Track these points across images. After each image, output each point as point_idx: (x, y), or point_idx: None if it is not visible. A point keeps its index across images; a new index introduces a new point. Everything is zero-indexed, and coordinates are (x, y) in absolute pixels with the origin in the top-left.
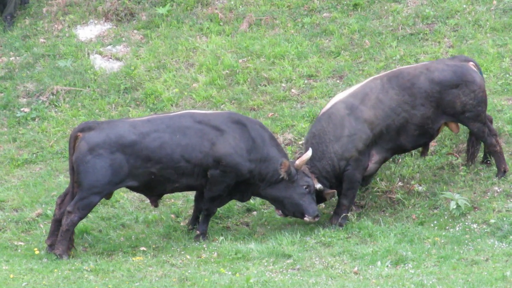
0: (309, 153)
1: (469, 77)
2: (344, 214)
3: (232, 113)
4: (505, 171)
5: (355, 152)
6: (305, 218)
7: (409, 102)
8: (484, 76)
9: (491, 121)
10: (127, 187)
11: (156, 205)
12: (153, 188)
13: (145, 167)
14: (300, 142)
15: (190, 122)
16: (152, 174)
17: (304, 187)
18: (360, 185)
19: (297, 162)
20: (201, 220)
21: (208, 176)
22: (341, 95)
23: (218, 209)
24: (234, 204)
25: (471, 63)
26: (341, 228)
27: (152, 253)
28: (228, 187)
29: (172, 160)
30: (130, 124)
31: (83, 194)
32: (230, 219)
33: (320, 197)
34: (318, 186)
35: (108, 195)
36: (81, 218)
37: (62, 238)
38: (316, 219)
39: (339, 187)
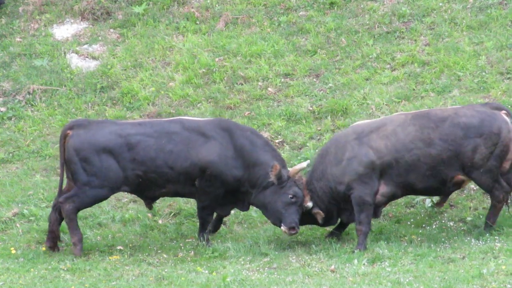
0: (304, 164)
1: (495, 129)
2: (362, 240)
3: (223, 120)
4: (491, 226)
5: (354, 175)
6: (281, 227)
7: (425, 140)
8: (460, 74)
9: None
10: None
11: (150, 208)
12: (143, 191)
13: (132, 169)
14: (277, 141)
15: (178, 128)
16: (140, 177)
17: (291, 196)
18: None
19: (291, 170)
20: (198, 228)
21: (196, 185)
22: (360, 122)
23: (194, 208)
24: None
25: (504, 111)
26: (364, 252)
27: (129, 252)
28: (217, 197)
29: (155, 165)
30: (119, 125)
31: (77, 190)
32: None
33: (313, 219)
34: (309, 204)
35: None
36: (77, 208)
37: (71, 228)
38: (292, 232)
39: (338, 214)
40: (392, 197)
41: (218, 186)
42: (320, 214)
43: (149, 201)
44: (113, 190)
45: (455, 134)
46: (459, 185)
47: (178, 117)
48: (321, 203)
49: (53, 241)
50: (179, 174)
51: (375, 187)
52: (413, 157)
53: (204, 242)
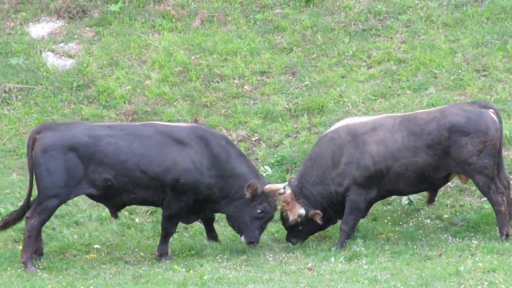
0: (280, 186)
1: (482, 127)
2: (342, 240)
3: (197, 126)
4: (507, 235)
5: (353, 179)
6: (242, 238)
7: (411, 149)
8: (436, 71)
9: (508, 183)
10: (86, 195)
11: (115, 216)
12: (111, 197)
13: (99, 172)
14: (253, 139)
15: (151, 132)
16: (108, 181)
17: (259, 211)
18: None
19: (266, 187)
20: (160, 240)
21: (166, 193)
22: (348, 120)
23: None
24: None
25: (491, 110)
26: (341, 251)
27: (105, 251)
28: (186, 206)
29: (126, 168)
30: (87, 127)
31: (40, 197)
32: None
33: (314, 223)
34: (301, 211)
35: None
36: (41, 222)
37: (25, 245)
38: (250, 246)
39: (335, 214)
40: (380, 198)
41: (190, 195)
42: (318, 214)
43: (114, 210)
44: (76, 191)
45: (440, 136)
46: (446, 179)
47: (151, 122)
48: (319, 207)
49: (37, 246)
50: (151, 179)
51: (370, 194)
52: (401, 167)
53: (163, 259)
